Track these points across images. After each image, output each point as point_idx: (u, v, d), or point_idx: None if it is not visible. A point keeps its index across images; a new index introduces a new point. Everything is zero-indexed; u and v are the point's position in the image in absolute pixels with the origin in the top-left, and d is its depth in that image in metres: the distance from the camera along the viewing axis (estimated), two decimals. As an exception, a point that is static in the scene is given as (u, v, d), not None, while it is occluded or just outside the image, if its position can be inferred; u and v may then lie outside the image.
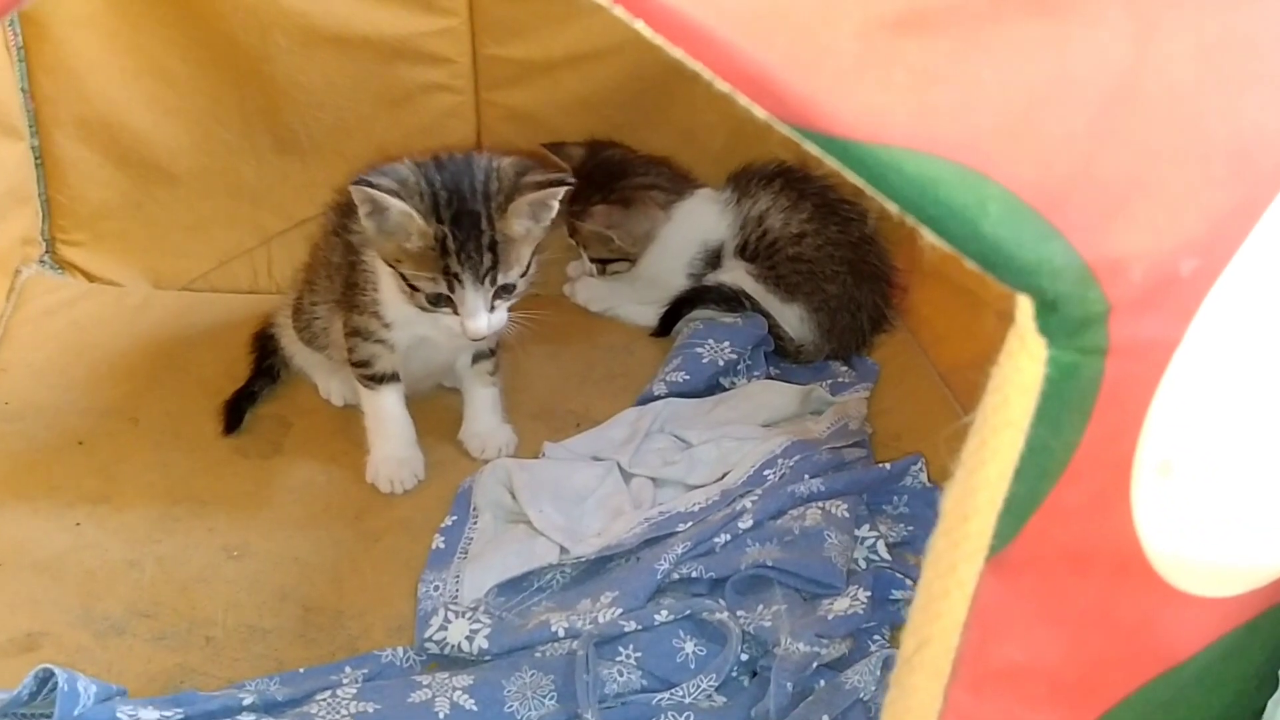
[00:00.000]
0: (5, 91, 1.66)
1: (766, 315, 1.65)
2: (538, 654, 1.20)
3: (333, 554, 1.36)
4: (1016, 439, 0.64)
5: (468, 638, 1.22)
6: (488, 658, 1.21)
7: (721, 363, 1.59)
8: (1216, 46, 0.64)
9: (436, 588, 1.30)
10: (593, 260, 1.77)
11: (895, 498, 1.41)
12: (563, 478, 1.44)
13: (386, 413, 1.47)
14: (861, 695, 1.14)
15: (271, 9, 1.64)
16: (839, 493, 1.35)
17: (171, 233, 1.77)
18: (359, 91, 1.72)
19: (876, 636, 1.23)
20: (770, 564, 1.26)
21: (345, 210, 1.40)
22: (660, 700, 1.17)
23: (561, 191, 1.34)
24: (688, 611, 1.22)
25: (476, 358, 1.51)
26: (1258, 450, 0.72)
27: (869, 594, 1.24)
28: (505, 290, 1.34)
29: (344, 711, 1.12)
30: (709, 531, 1.30)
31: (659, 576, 1.26)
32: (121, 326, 1.70)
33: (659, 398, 1.56)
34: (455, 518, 1.39)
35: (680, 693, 1.17)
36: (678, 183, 1.74)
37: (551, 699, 1.16)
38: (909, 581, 1.27)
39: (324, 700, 1.14)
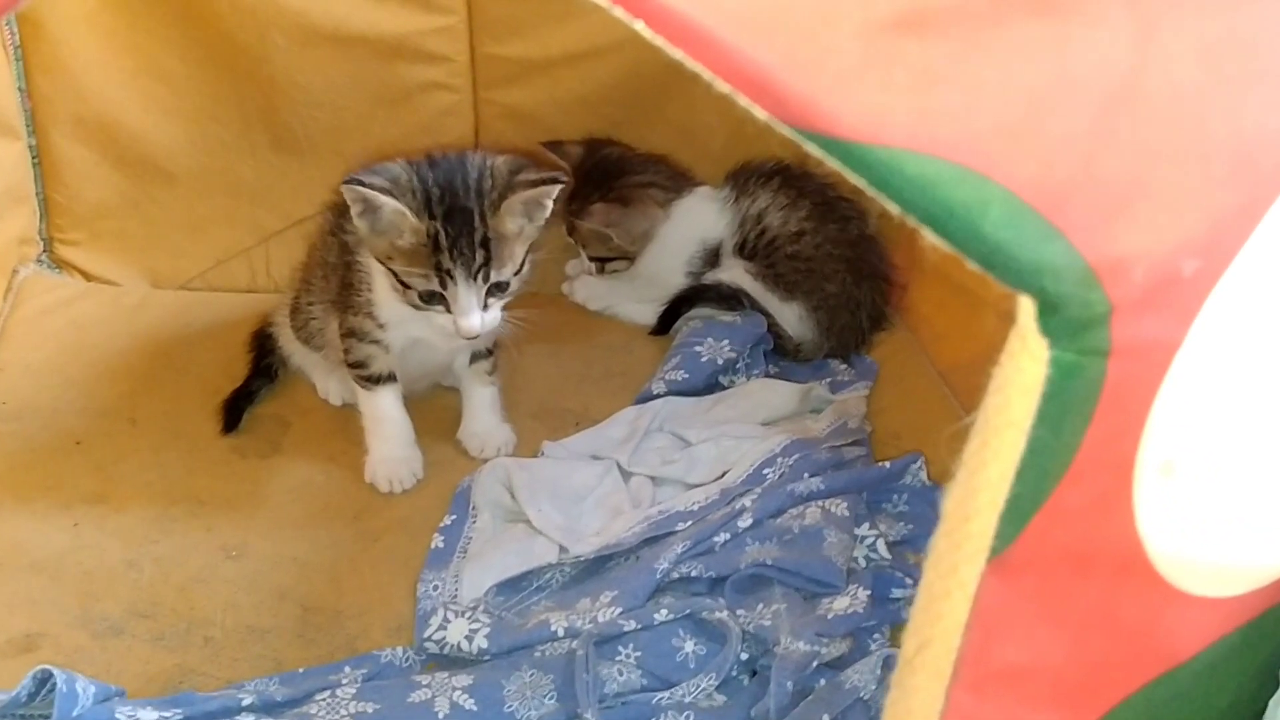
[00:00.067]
0: (2, 91, 1.66)
1: (765, 314, 1.65)
2: (537, 653, 1.20)
3: (331, 554, 1.36)
4: (1018, 440, 0.64)
5: (467, 637, 1.22)
6: (487, 657, 1.21)
7: (720, 361, 1.59)
8: (1218, 47, 0.64)
9: (436, 587, 1.30)
10: (591, 259, 1.76)
11: (895, 496, 1.41)
12: (562, 477, 1.43)
13: (384, 413, 1.46)
14: (862, 694, 1.14)
15: (269, 8, 1.64)
16: (838, 491, 1.35)
17: (169, 232, 1.77)
18: (357, 90, 1.71)
19: (876, 635, 1.23)
20: (770, 563, 1.26)
21: (342, 210, 1.40)
22: (660, 700, 1.17)
23: (555, 190, 1.33)
24: (687, 611, 1.22)
25: (475, 357, 1.50)
26: (1260, 450, 0.72)
27: (869, 593, 1.24)
28: (498, 288, 1.34)
29: (343, 711, 1.12)
30: (708, 530, 1.30)
31: (658, 576, 1.25)
32: (119, 326, 1.69)
33: (658, 396, 1.56)
34: (454, 517, 1.39)
35: (680, 692, 1.17)
36: (676, 181, 1.73)
37: (551, 698, 1.16)
38: (909, 580, 1.27)
39: (323, 700, 1.14)
